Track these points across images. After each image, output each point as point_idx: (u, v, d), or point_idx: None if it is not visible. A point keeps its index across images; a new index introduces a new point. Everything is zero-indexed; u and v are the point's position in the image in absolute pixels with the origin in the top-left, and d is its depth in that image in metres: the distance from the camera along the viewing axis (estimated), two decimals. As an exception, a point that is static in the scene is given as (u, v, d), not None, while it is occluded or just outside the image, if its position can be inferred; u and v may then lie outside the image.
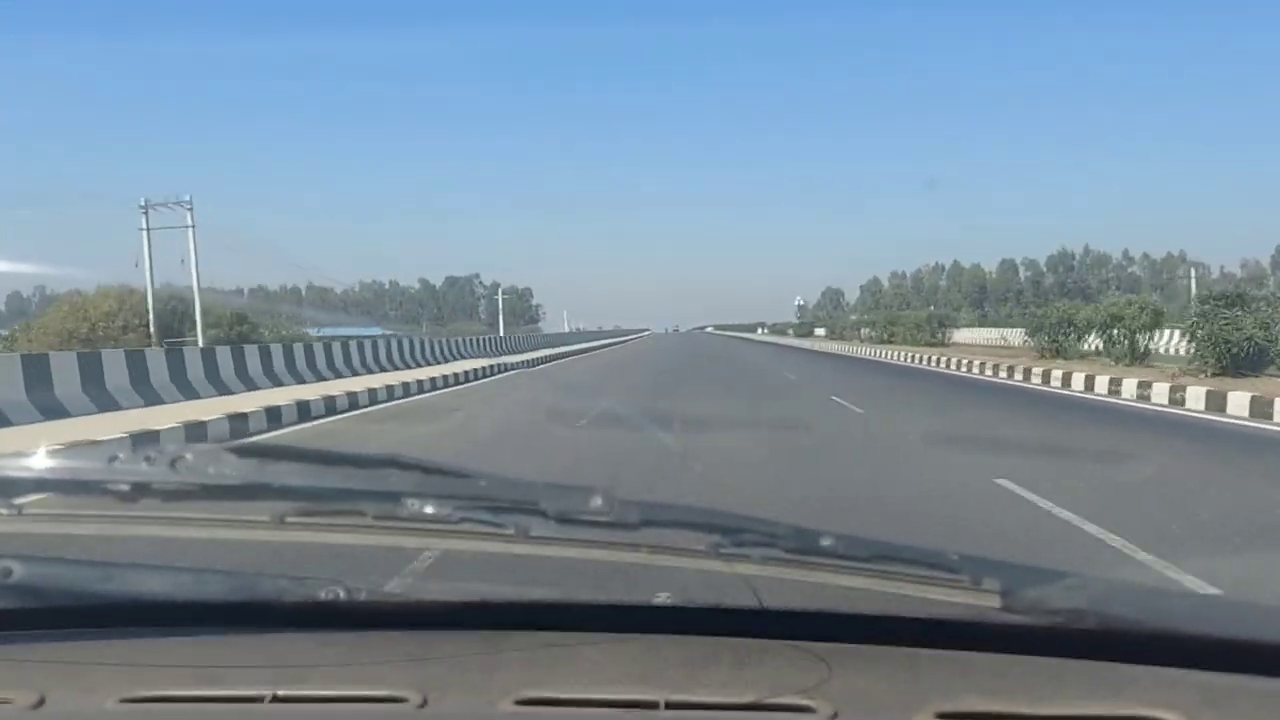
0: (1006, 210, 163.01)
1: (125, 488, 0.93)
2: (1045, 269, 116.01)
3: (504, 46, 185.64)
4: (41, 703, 0.83)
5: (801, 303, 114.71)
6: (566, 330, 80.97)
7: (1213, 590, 3.18)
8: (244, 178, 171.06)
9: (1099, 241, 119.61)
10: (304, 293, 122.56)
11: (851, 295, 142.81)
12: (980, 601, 0.92)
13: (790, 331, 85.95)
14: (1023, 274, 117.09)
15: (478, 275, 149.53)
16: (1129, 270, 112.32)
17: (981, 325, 62.89)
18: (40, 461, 0.97)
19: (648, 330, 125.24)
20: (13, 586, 0.96)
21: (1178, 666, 0.88)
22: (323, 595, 0.97)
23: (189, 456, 0.93)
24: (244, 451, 0.96)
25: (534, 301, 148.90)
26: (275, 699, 0.83)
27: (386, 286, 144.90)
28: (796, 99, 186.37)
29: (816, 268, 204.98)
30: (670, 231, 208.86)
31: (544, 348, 39.06)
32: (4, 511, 0.96)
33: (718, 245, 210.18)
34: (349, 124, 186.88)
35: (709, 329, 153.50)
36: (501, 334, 45.81)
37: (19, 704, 0.82)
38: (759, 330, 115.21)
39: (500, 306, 65.10)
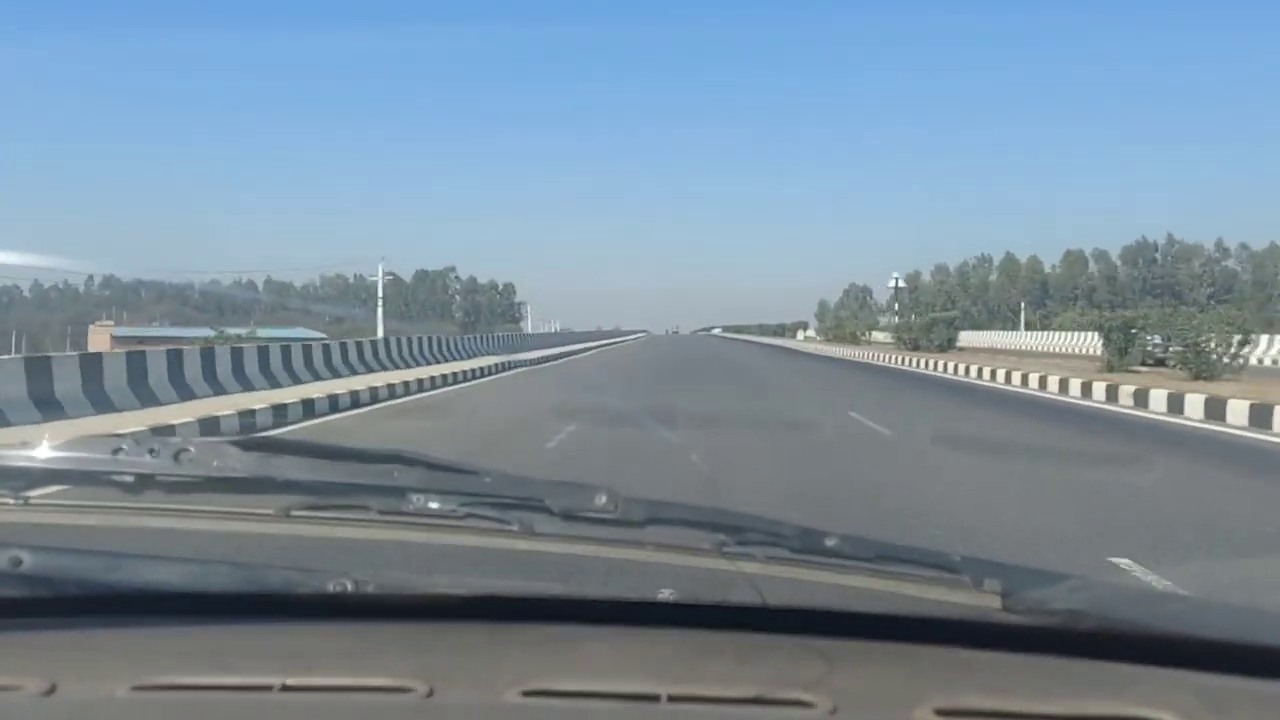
0: (1059, 198, 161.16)
1: (131, 479, 1.05)
2: (1119, 261, 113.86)
3: (499, 41, 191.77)
4: (53, 689, 0.92)
5: (903, 286, 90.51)
6: (532, 331, 72.49)
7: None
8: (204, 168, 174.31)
9: (1185, 230, 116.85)
10: (261, 288, 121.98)
11: (881, 293, 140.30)
12: (982, 602, 1.05)
13: (904, 337, 39.31)
14: (1093, 267, 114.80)
15: (453, 269, 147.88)
16: (1223, 264, 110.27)
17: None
18: (47, 452, 1.09)
19: (643, 332, 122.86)
20: (23, 575, 1.07)
21: (1178, 668, 0.99)
22: (330, 587, 1.09)
23: (194, 449, 1.06)
24: (249, 445, 1.08)
25: (516, 299, 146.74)
26: (285, 688, 0.93)
27: (351, 281, 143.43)
28: (807, 88, 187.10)
29: (834, 265, 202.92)
30: (672, 228, 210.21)
31: (485, 355, 30.12)
32: (12, 502, 1.08)
33: (724, 243, 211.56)
34: (323, 117, 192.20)
35: (716, 331, 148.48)
36: (381, 335, 34.05)
37: (30, 690, 0.92)
38: (799, 334, 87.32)
39: (381, 295, 51.97)
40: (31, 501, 1.09)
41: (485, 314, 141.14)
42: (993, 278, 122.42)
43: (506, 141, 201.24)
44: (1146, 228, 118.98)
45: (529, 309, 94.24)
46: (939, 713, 0.89)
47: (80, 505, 1.13)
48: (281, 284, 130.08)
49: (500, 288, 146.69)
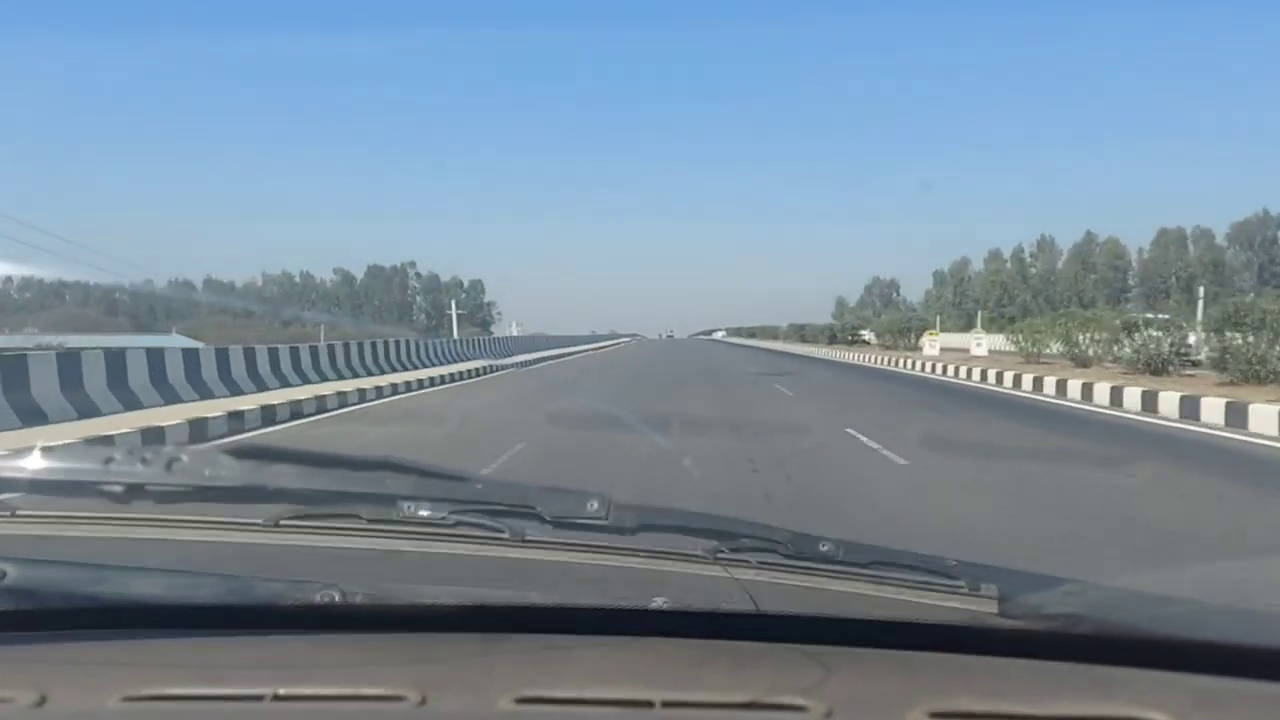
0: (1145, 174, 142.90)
1: (119, 489, 1.12)
2: (1226, 242, 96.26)
3: (497, 41, 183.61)
4: (43, 701, 0.99)
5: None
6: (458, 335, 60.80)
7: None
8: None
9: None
10: (199, 287, 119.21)
11: (912, 289, 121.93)
12: (978, 607, 1.13)
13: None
14: (1193, 250, 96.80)
15: (413, 264, 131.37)
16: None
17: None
18: (35, 462, 1.16)
19: (631, 337, 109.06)
20: (8, 589, 1.15)
21: (1173, 671, 1.07)
22: (319, 598, 1.17)
23: (184, 458, 1.13)
24: (239, 453, 1.15)
25: (485, 298, 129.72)
26: (276, 698, 1.00)
27: (298, 280, 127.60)
28: (814, 74, 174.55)
29: (850, 260, 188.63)
30: (670, 226, 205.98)
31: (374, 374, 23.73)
32: None
33: (726, 239, 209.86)
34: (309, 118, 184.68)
35: (719, 334, 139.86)
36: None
37: (20, 703, 0.99)
38: (925, 342, 39.50)
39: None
40: (18, 513, 1.15)
41: (450, 315, 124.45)
42: (1060, 265, 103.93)
43: (491, 135, 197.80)
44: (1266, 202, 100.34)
45: (452, 314, 76.48)
46: (933, 716, 0.95)
47: (68, 517, 1.17)
48: (221, 284, 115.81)
49: (466, 285, 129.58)
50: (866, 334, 60.92)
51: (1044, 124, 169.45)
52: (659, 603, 1.15)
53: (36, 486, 1.13)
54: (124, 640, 1.13)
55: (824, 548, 1.13)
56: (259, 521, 1.15)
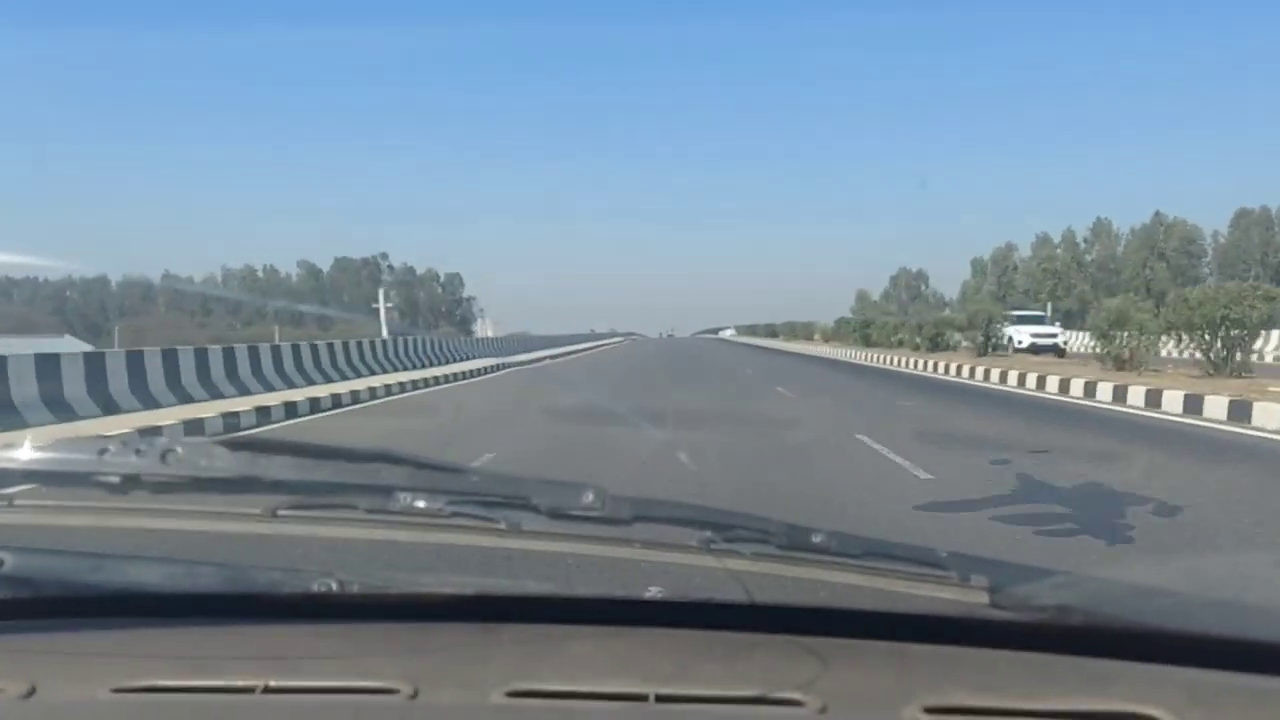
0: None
1: (115, 479, 1.15)
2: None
3: (488, 31, 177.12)
4: (32, 692, 1.02)
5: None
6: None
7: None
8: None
9: None
10: (157, 284, 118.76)
11: (942, 282, 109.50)
12: (969, 598, 1.16)
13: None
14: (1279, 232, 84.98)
15: (384, 255, 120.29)
16: None
17: None
18: (30, 452, 1.20)
19: (624, 337, 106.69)
20: (4, 577, 1.19)
21: (1166, 664, 1.11)
22: (315, 587, 1.21)
23: (179, 449, 1.16)
24: (235, 445, 1.18)
25: (465, 293, 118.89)
26: (267, 689, 1.03)
27: (261, 275, 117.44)
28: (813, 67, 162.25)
29: (871, 252, 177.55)
30: (671, 221, 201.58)
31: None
32: None
33: (732, 232, 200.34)
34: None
35: (728, 333, 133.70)
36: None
37: (10, 694, 1.02)
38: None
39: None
40: (14, 503, 1.18)
41: (425, 311, 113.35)
42: (1121, 250, 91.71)
43: (487, 127, 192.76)
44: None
45: (379, 309, 65.39)
46: (928, 711, 0.98)
47: (64, 506, 1.21)
48: (179, 279, 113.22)
49: (442, 278, 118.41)
50: (1057, 332, 36.14)
51: (1064, 110, 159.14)
52: (653, 592, 1.19)
53: (32, 477, 1.16)
54: (116, 630, 1.15)
55: (816, 539, 1.15)
56: (255, 512, 1.17)
